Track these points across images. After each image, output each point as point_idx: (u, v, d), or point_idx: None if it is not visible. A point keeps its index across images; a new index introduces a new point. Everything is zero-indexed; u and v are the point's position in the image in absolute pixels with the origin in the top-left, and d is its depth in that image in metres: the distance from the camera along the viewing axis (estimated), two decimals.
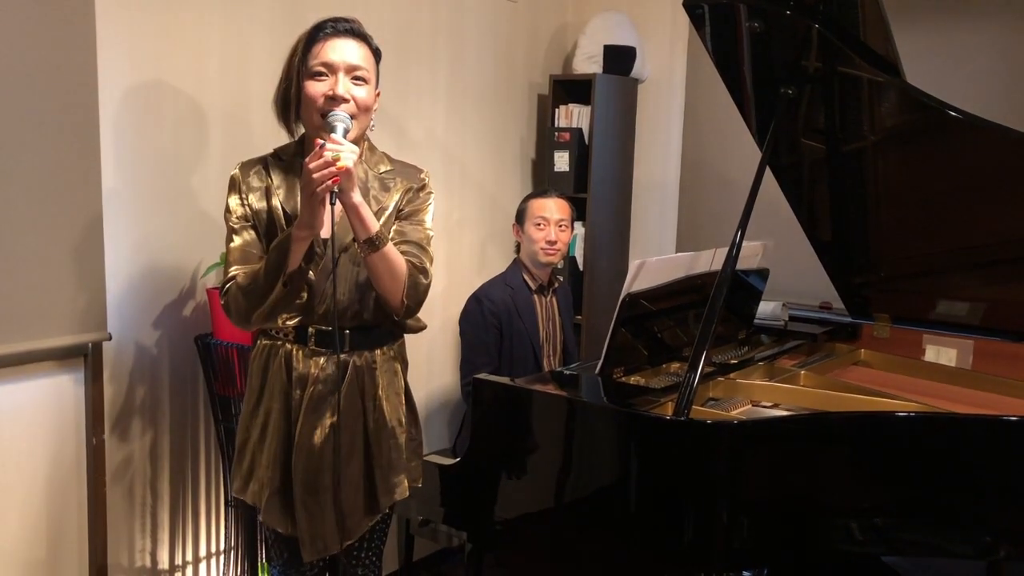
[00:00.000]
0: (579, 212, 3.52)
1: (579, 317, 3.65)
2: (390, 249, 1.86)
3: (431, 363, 3.42)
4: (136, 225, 2.37)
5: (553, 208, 3.00)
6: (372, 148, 2.02)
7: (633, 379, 2.43)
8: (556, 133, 3.59)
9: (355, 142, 1.83)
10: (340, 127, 1.79)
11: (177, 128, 2.43)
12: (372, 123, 1.94)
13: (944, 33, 3.27)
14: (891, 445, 1.96)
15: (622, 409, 2.01)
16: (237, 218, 1.90)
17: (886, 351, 2.98)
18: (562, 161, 3.57)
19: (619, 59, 3.57)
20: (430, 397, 3.43)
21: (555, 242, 2.98)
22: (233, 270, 1.87)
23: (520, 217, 3.06)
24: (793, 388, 2.50)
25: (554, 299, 3.12)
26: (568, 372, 2.41)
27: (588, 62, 3.62)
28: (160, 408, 2.47)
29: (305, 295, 1.88)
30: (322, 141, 1.74)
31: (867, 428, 1.97)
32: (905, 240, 2.82)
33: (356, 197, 1.78)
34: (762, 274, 2.95)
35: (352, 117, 1.83)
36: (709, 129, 3.70)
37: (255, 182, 1.91)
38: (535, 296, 3.05)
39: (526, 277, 3.04)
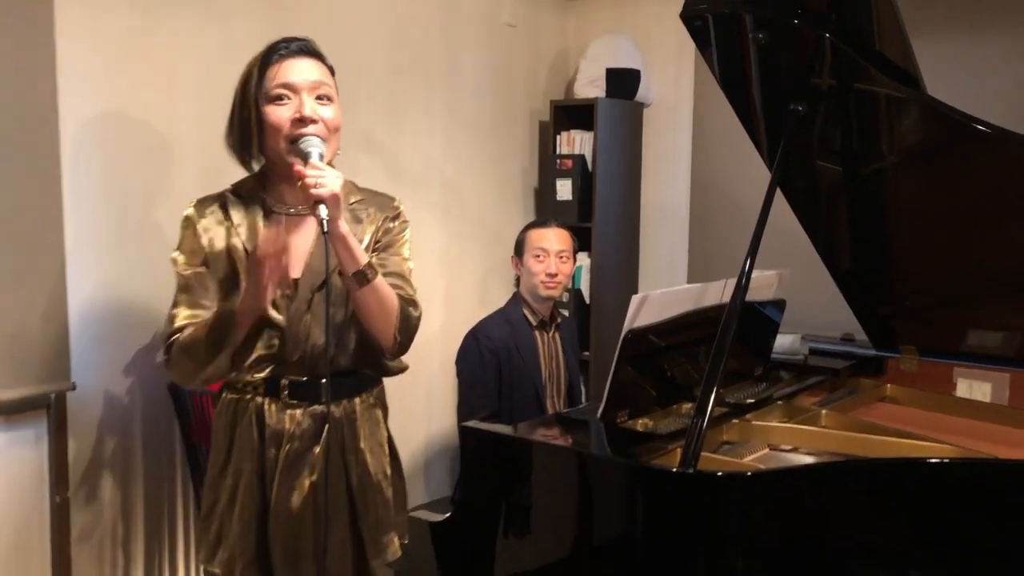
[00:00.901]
0: (584, 242, 3.37)
1: (586, 353, 3.47)
2: (381, 282, 1.72)
3: (430, 405, 3.25)
4: (101, 265, 2.24)
5: (553, 238, 2.85)
6: None
7: (640, 423, 2.25)
8: (558, 160, 3.45)
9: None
10: (315, 152, 1.65)
11: (144, 162, 2.31)
12: (338, 149, 1.79)
13: (965, 46, 3.10)
14: (926, 495, 1.77)
15: (622, 460, 1.83)
16: (185, 263, 1.75)
17: (914, 386, 2.79)
18: (564, 189, 3.42)
19: (622, 82, 3.43)
20: (430, 441, 3.26)
21: (556, 274, 2.82)
22: (180, 321, 1.73)
23: (519, 248, 2.91)
24: (814, 430, 2.31)
25: (557, 335, 2.95)
26: (570, 416, 2.24)
27: (590, 86, 3.48)
28: (131, 462, 2.32)
29: (276, 343, 1.71)
30: (300, 168, 1.62)
31: (897, 477, 1.78)
32: (931, 265, 2.62)
33: (343, 226, 1.65)
34: (778, 305, 2.77)
35: (322, 140, 1.69)
36: (720, 152, 3.54)
37: (212, 222, 1.76)
38: (536, 332, 2.88)
39: (526, 312, 2.88)
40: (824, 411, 2.42)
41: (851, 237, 2.77)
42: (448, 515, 2.14)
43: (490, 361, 2.78)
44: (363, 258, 1.68)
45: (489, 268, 3.45)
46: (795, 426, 2.31)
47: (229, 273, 1.73)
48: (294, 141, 1.67)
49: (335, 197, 1.59)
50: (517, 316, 2.87)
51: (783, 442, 2.26)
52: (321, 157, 1.65)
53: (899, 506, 1.80)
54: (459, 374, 2.85)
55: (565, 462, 1.90)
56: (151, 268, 2.31)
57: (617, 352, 2.13)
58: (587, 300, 3.47)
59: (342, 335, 1.78)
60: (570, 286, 3.47)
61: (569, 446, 1.93)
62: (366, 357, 1.82)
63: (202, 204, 1.78)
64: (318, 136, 1.67)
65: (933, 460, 1.85)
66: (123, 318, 2.28)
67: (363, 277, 1.67)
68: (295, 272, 1.73)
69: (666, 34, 3.57)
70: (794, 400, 2.55)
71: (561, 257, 2.85)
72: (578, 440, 2.05)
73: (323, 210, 1.57)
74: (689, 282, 3.63)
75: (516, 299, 2.92)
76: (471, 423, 2.06)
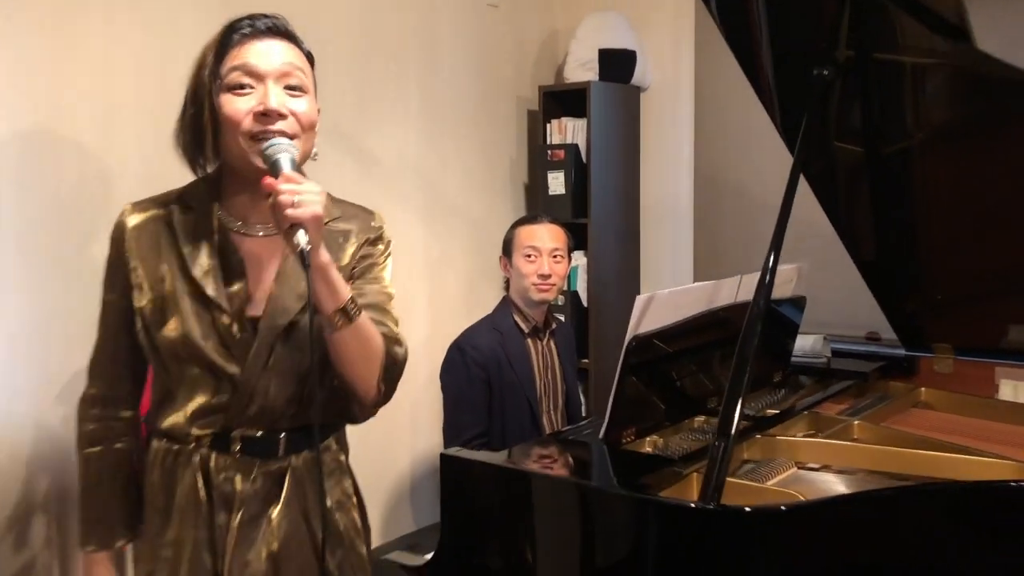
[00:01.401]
0: (580, 240, 3.10)
1: (585, 361, 3.20)
2: (365, 320, 1.42)
3: (415, 425, 2.97)
4: (30, 299, 1.96)
5: (545, 236, 2.57)
6: None
7: (648, 441, 1.98)
8: (549, 151, 3.18)
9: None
10: (286, 159, 1.33)
11: (81, 183, 2.02)
12: (315, 151, 1.47)
13: (996, 13, 2.84)
14: (997, 525, 1.50)
15: (631, 494, 1.55)
16: (110, 295, 1.47)
17: (952, 389, 2.52)
18: (557, 183, 3.15)
19: (617, 64, 3.17)
20: (416, 464, 2.99)
21: (549, 275, 2.54)
22: (90, 379, 1.48)
23: (507, 248, 2.63)
24: (846, 445, 2.04)
25: (552, 343, 2.68)
26: (570, 436, 1.97)
27: (582, 69, 3.22)
28: (69, 501, 2.04)
29: (227, 397, 1.43)
30: (272, 181, 1.30)
31: (962, 503, 1.51)
32: (967, 252, 2.38)
33: (324, 255, 1.34)
34: (798, 303, 2.50)
35: (292, 138, 1.37)
36: (725, 139, 3.27)
37: (146, 242, 1.45)
38: (529, 341, 2.61)
39: (517, 319, 2.60)
40: (856, 422, 2.15)
41: (875, 224, 2.52)
42: (430, 556, 1.86)
43: (478, 375, 2.50)
44: (345, 292, 1.37)
45: (476, 271, 3.18)
46: (825, 441, 2.04)
47: (177, 315, 1.42)
48: (256, 139, 1.35)
49: (316, 220, 1.28)
50: (507, 323, 2.59)
51: (812, 459, 1.99)
52: (295, 164, 1.34)
53: (967, 539, 1.53)
54: (444, 389, 2.58)
55: (564, 495, 1.63)
56: (89, 302, 2.02)
57: (620, 362, 1.86)
58: (584, 303, 3.20)
59: (309, 388, 1.46)
60: (565, 288, 3.19)
61: (568, 476, 1.65)
62: (335, 407, 1.53)
63: (139, 209, 1.47)
64: (287, 135, 1.36)
65: (1014, 483, 1.57)
66: (56, 358, 2.01)
67: (345, 316, 1.37)
68: (255, 309, 1.43)
69: (663, 10, 3.31)
70: (820, 409, 2.29)
71: (554, 256, 2.58)
72: (579, 467, 1.78)
73: (302, 237, 1.27)
74: (695, 281, 3.35)
75: (505, 304, 2.64)
76: (452, 450, 1.78)
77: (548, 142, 3.23)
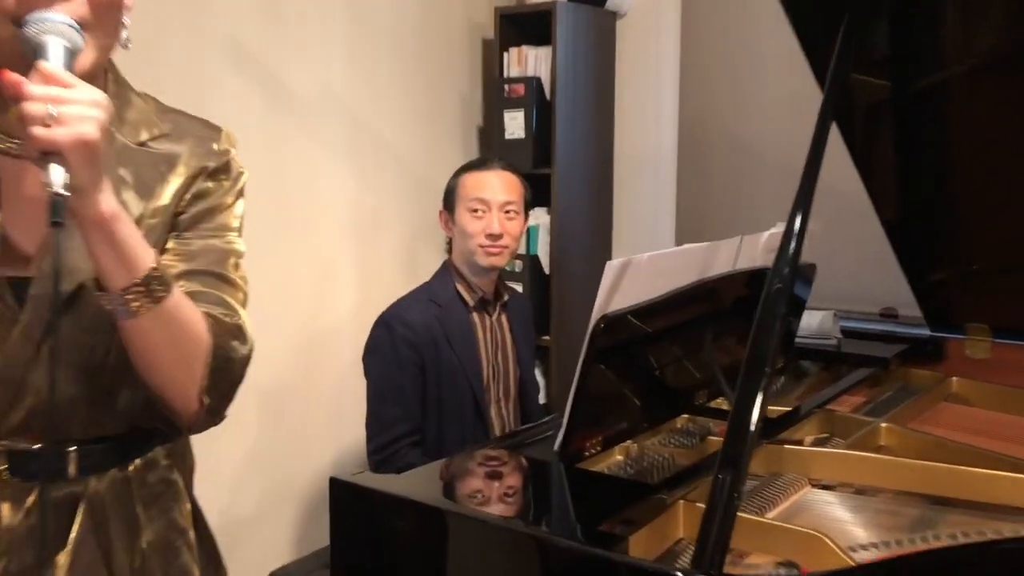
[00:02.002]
0: (541, 194, 2.62)
1: (546, 338, 2.72)
2: (178, 302, 0.98)
3: (340, 417, 2.49)
4: None
5: (496, 185, 2.09)
6: (124, 90, 1.09)
7: (619, 450, 1.52)
8: (506, 86, 2.68)
9: (90, 78, 0.91)
10: (56, 43, 0.88)
11: None
12: (125, 36, 1.00)
13: None
14: None
15: (594, 551, 1.08)
16: None
17: (989, 378, 2.10)
18: (515, 124, 2.66)
19: None
20: (340, 464, 2.52)
21: (500, 235, 2.06)
22: None
23: (449, 200, 2.14)
24: (873, 458, 1.59)
25: (503, 318, 2.20)
26: (522, 441, 1.51)
27: None
28: None
29: None
30: (19, 76, 0.85)
31: None
32: (1011, 215, 1.95)
33: (107, 203, 0.89)
34: (805, 273, 2.03)
35: (81, 27, 0.91)
36: (716, 76, 2.79)
37: None
38: (474, 316, 2.13)
39: (460, 288, 2.12)
40: (884, 425, 1.70)
41: (901, 175, 2.08)
42: None
43: (409, 357, 2.03)
44: (145, 260, 0.93)
45: (417, 231, 2.69)
46: (847, 452, 1.58)
47: None
48: (19, 23, 0.88)
49: (85, 148, 0.83)
50: (447, 294, 2.11)
51: (830, 476, 1.55)
52: (70, 57, 0.88)
53: None
54: (367, 375, 2.10)
55: (498, 545, 1.15)
56: None
57: (584, 349, 1.39)
58: (546, 269, 2.71)
59: (105, 382, 1.02)
60: (522, 251, 2.71)
61: (503, 518, 1.17)
62: (149, 412, 1.07)
63: None
64: (64, 20, 0.89)
65: None
66: None
67: (145, 296, 0.93)
68: (28, 269, 0.98)
69: None
70: (834, 406, 1.83)
71: (507, 212, 2.09)
72: (524, 498, 1.30)
73: (56, 174, 0.82)
74: (678, 244, 2.87)
75: (446, 271, 2.16)
76: (344, 476, 1.29)
77: (505, 75, 2.73)
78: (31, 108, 0.81)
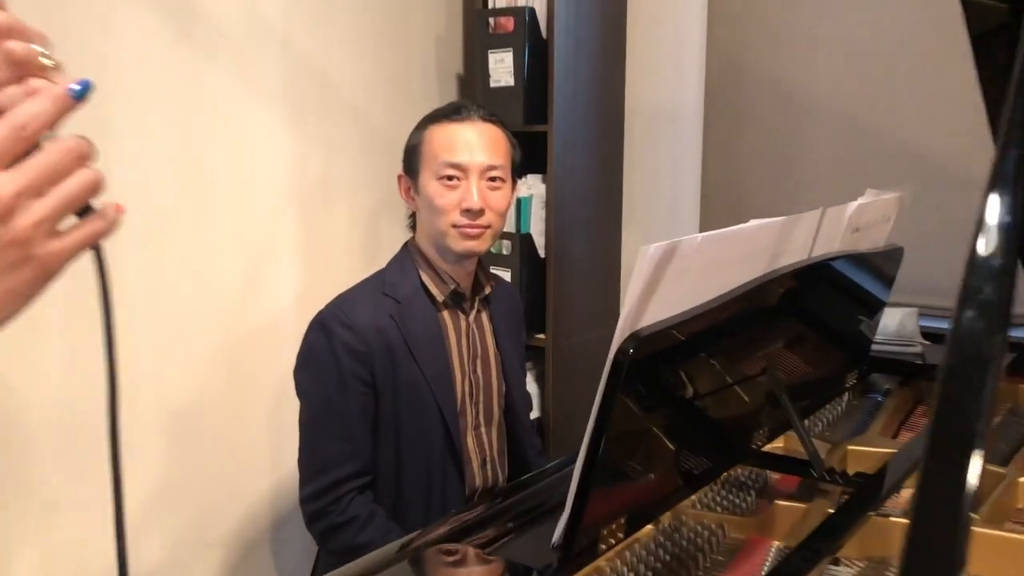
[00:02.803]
0: (535, 157, 2.09)
1: (541, 337, 2.22)
2: None
3: (278, 440, 1.97)
4: None
5: (475, 143, 1.57)
6: None
7: (645, 532, 1.02)
8: (491, 20, 2.14)
9: None
10: None
11: None
12: None
13: None
14: None
15: None
16: None
17: None
18: (502, 69, 2.12)
19: None
20: (280, 491, 1.99)
21: (480, 211, 1.55)
22: None
23: (411, 162, 1.63)
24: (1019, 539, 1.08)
25: (484, 317, 1.69)
26: (504, 511, 1.01)
27: None
28: None
29: None
30: None
31: None
32: None
33: None
34: (892, 258, 1.52)
35: None
36: (754, 9, 2.25)
37: None
38: (444, 314, 1.62)
39: (425, 278, 1.61)
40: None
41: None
42: None
43: (354, 372, 1.52)
44: None
45: (380, 204, 2.16)
46: (992, 533, 1.07)
47: None
48: None
49: None
50: (408, 285, 1.60)
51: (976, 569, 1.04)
52: None
53: None
54: (300, 396, 1.58)
55: None
56: None
57: (601, 391, 0.87)
58: (541, 252, 2.19)
59: None
60: (511, 229, 2.18)
61: None
62: None
63: None
64: None
65: None
66: None
67: None
68: None
69: None
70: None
71: (490, 179, 1.57)
72: None
73: None
74: (704, 225, 2.35)
75: (407, 255, 1.64)
76: None
77: (490, 6, 2.18)
78: None
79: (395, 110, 2.15)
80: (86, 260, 0.62)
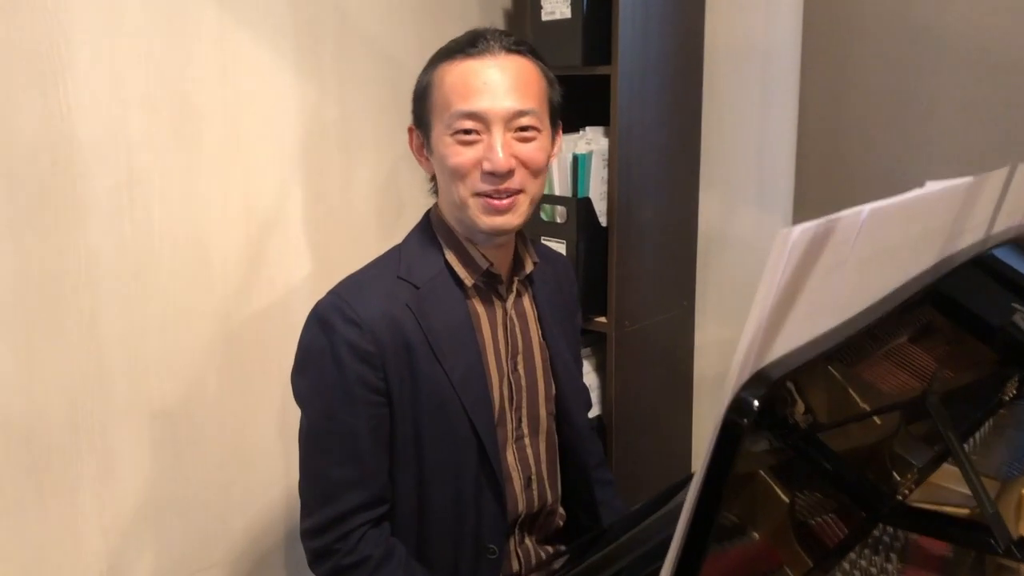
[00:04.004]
0: (597, 107, 1.74)
1: (601, 319, 1.88)
2: None
3: (286, 446, 1.67)
4: None
5: (497, 83, 1.22)
6: None
7: None
8: None
9: None
10: None
11: None
12: None
13: None
14: None
15: None
16: None
17: None
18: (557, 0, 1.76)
19: None
20: (291, 500, 1.71)
21: (508, 172, 1.21)
22: None
23: (420, 111, 1.29)
24: None
25: (527, 301, 1.36)
26: None
27: None
28: None
29: None
30: None
31: None
32: None
33: None
34: None
35: None
36: None
37: None
38: (475, 303, 1.28)
39: (451, 258, 1.28)
40: None
41: None
42: None
43: (361, 377, 1.22)
44: None
45: (404, 160, 1.82)
46: None
47: None
48: None
49: None
50: (429, 266, 1.28)
51: None
52: None
53: None
54: (299, 403, 1.26)
55: None
56: None
57: (709, 453, 0.52)
58: (602, 219, 1.84)
59: None
60: (566, 192, 1.84)
61: None
62: None
63: None
64: None
65: None
66: None
67: None
68: None
69: None
70: None
71: (520, 127, 1.21)
72: None
73: None
74: (800, 188, 1.97)
75: (428, 227, 1.31)
76: None
77: None
78: None
79: (426, 48, 1.80)
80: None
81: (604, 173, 1.84)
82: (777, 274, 0.50)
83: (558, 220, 1.84)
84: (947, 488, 1.01)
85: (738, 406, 0.49)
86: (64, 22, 1.31)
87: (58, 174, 1.34)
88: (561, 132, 1.32)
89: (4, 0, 1.25)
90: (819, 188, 1.94)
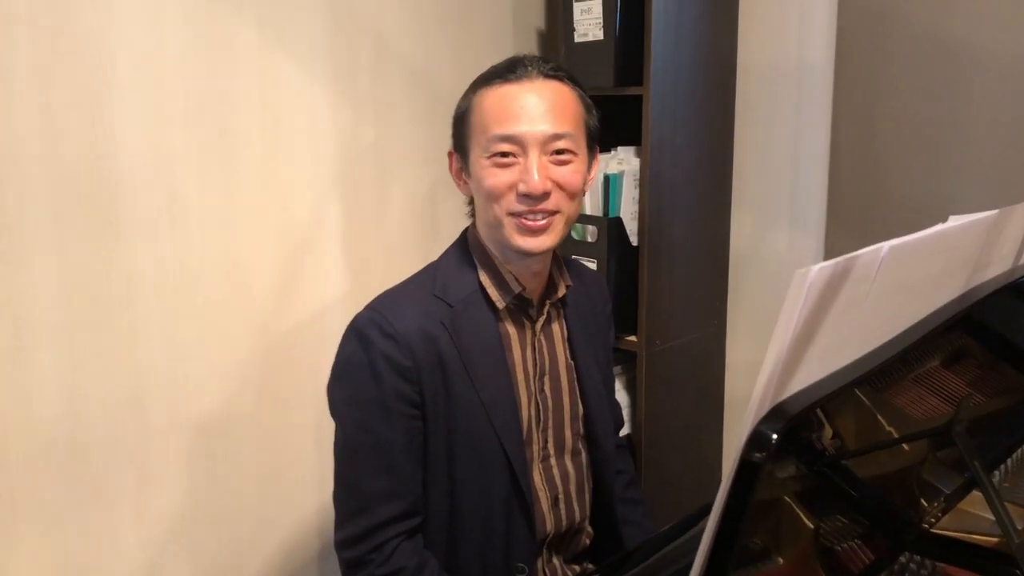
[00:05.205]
0: (629, 126, 1.78)
1: (632, 339, 1.90)
2: None
3: (321, 458, 1.71)
4: None
5: (534, 108, 1.24)
6: None
7: None
8: None
9: None
10: None
11: None
12: None
13: None
14: None
15: None
16: None
17: None
18: (589, 20, 1.80)
19: None
20: (326, 517, 1.74)
21: (543, 195, 1.22)
22: None
23: (459, 134, 1.31)
24: None
25: (557, 326, 1.38)
26: None
27: None
28: None
29: None
30: None
31: None
32: None
33: None
34: None
35: None
36: None
37: None
38: (508, 325, 1.31)
39: (485, 279, 1.30)
40: None
41: None
42: None
43: (399, 391, 1.25)
44: None
45: (444, 180, 1.85)
46: None
47: None
48: None
49: None
50: (464, 286, 1.31)
51: None
52: None
53: None
54: (335, 416, 1.30)
55: None
56: None
57: (728, 485, 0.54)
58: (632, 239, 1.86)
59: None
60: (597, 211, 1.86)
61: None
62: None
63: None
64: None
65: None
66: None
67: None
68: None
69: None
70: None
71: (556, 152, 1.24)
72: None
73: None
74: (832, 208, 1.97)
75: (464, 246, 1.34)
76: None
77: None
78: None
79: (462, 71, 1.84)
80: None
81: (635, 193, 1.86)
82: (795, 312, 0.52)
83: (589, 239, 1.86)
84: (976, 515, 1.01)
85: (757, 440, 0.51)
86: (109, 47, 1.36)
87: (101, 194, 1.39)
88: (598, 156, 1.34)
89: (52, 25, 1.30)
90: (852, 209, 1.94)
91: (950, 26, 1.79)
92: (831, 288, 0.52)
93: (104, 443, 1.43)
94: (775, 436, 0.51)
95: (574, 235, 1.88)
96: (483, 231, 1.29)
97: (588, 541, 1.44)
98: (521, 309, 1.31)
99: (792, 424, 0.51)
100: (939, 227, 0.64)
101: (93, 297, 1.39)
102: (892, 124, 1.90)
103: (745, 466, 0.51)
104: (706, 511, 1.21)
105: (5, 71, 1.26)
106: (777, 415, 0.52)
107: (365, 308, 1.28)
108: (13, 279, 1.30)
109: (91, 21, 1.34)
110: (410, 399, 1.23)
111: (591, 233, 1.86)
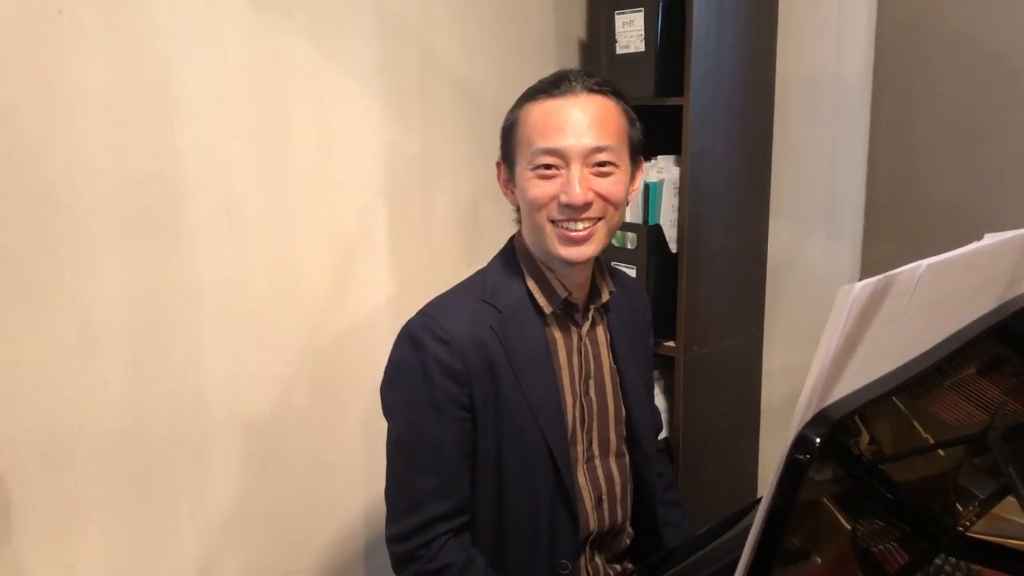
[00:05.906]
0: (669, 137, 1.83)
1: (670, 344, 1.94)
2: None
3: (369, 460, 1.77)
4: None
5: (578, 122, 1.29)
6: None
7: None
8: None
9: None
10: None
11: None
12: None
13: None
14: None
15: None
16: None
17: None
18: (631, 32, 1.84)
19: None
20: (372, 516, 1.80)
21: (585, 205, 1.27)
22: None
23: (507, 146, 1.37)
24: None
25: (601, 330, 1.43)
26: None
27: None
28: None
29: None
30: None
31: None
32: None
33: None
34: None
35: None
36: None
37: None
38: (555, 330, 1.36)
39: (532, 286, 1.35)
40: None
41: None
42: None
43: (449, 394, 1.31)
44: None
45: (489, 189, 1.92)
46: None
47: None
48: None
49: None
50: (512, 292, 1.36)
51: None
52: None
53: None
54: (387, 416, 1.36)
55: None
56: None
57: (774, 488, 0.59)
58: (672, 246, 1.91)
59: None
60: (637, 219, 1.90)
61: None
62: None
63: None
64: None
65: None
66: None
67: None
68: None
69: None
70: None
71: (598, 164, 1.28)
72: None
73: None
74: (870, 217, 2.00)
75: (512, 253, 1.39)
76: None
77: None
78: None
79: (505, 83, 1.90)
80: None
81: (675, 201, 1.90)
82: (839, 325, 0.56)
83: (628, 246, 1.91)
84: (1010, 520, 1.05)
85: (802, 443, 0.56)
86: (173, 65, 1.44)
87: (165, 202, 1.46)
88: (643, 168, 1.39)
89: (121, 44, 1.38)
90: (889, 219, 1.96)
91: (990, 34, 1.81)
92: (873, 303, 0.57)
93: (165, 439, 1.50)
94: (818, 440, 0.56)
95: (614, 242, 1.93)
96: (528, 238, 1.35)
97: (628, 541, 1.49)
98: (567, 314, 1.36)
99: (834, 429, 0.56)
100: (975, 245, 0.68)
101: (156, 300, 1.47)
102: (930, 133, 1.92)
103: (791, 467, 0.56)
104: (743, 514, 1.25)
105: (78, 89, 1.34)
106: (820, 420, 0.56)
107: (417, 314, 1.34)
108: (82, 283, 1.38)
109: (156, 43, 1.41)
110: (460, 401, 1.29)
111: (631, 240, 1.90)
